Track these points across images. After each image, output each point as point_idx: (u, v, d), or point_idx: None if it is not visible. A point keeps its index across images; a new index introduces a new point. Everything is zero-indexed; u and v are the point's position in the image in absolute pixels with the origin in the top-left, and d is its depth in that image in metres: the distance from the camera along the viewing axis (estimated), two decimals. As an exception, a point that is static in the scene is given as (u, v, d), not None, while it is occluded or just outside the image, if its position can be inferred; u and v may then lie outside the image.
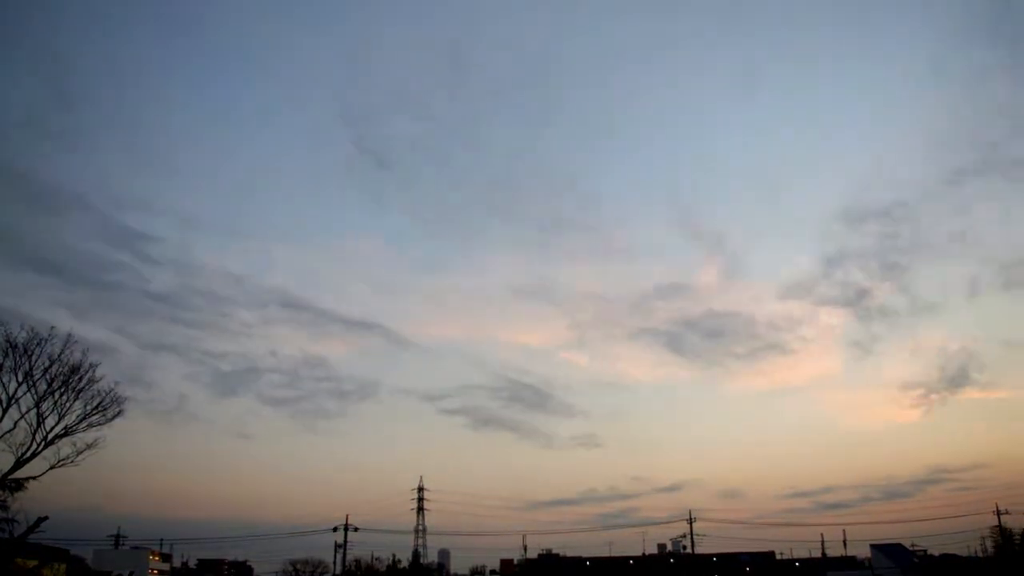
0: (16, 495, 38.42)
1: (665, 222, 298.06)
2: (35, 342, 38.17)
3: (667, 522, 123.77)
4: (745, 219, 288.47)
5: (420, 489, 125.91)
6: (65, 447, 38.88)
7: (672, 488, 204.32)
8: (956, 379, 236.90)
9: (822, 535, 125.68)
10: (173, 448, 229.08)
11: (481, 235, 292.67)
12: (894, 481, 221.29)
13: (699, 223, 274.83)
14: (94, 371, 39.87)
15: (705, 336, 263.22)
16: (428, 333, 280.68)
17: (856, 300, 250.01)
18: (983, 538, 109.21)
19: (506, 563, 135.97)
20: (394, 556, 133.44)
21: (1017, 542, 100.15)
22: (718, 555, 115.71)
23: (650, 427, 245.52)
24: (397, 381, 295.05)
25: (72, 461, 39.13)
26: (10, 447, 37.53)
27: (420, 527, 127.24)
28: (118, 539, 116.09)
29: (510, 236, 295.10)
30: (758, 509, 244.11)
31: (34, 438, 37.90)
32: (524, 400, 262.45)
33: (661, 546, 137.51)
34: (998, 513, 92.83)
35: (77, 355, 39.38)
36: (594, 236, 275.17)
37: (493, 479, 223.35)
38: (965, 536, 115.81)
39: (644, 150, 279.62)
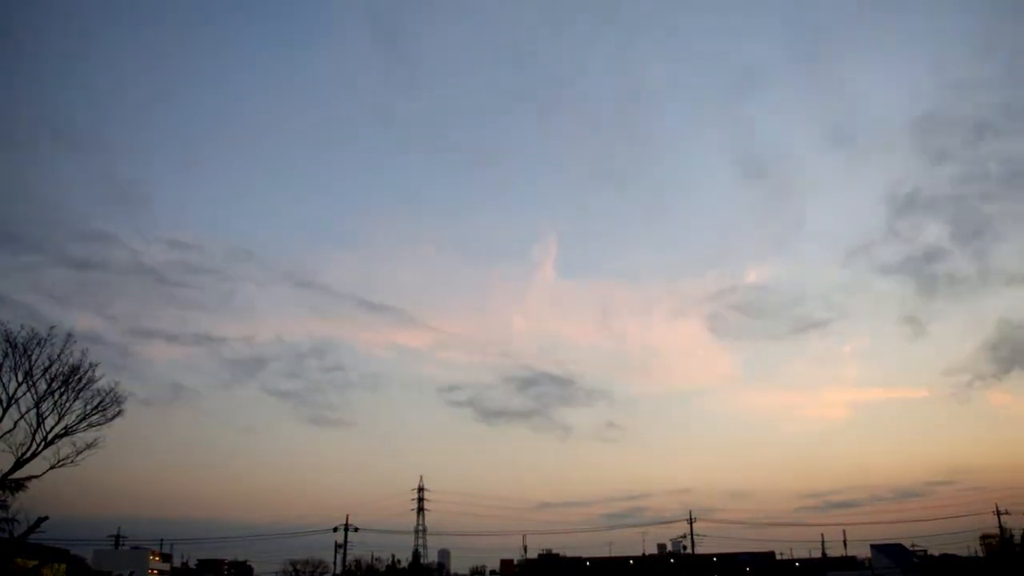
0: (16, 495, 38.44)
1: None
2: (35, 342, 38.24)
3: (667, 522, 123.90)
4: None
5: (420, 489, 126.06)
6: (65, 447, 38.97)
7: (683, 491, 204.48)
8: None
9: (822, 535, 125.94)
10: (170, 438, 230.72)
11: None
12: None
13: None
14: (94, 371, 39.96)
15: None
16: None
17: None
18: (983, 538, 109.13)
19: (506, 563, 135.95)
20: (394, 556, 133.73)
21: (1017, 542, 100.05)
22: (718, 555, 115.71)
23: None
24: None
25: (72, 461, 39.19)
26: (10, 447, 37.63)
27: (420, 527, 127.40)
28: (118, 539, 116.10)
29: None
30: (768, 509, 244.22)
31: (34, 438, 37.96)
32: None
33: (661, 546, 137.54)
34: (998, 513, 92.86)
35: (77, 355, 39.48)
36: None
37: (501, 476, 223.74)
38: (965, 536, 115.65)
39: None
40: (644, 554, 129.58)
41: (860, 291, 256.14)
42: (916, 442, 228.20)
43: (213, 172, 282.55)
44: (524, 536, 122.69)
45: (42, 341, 38.34)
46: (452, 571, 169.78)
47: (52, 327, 39.13)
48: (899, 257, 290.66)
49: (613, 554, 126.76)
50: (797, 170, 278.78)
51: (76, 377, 39.03)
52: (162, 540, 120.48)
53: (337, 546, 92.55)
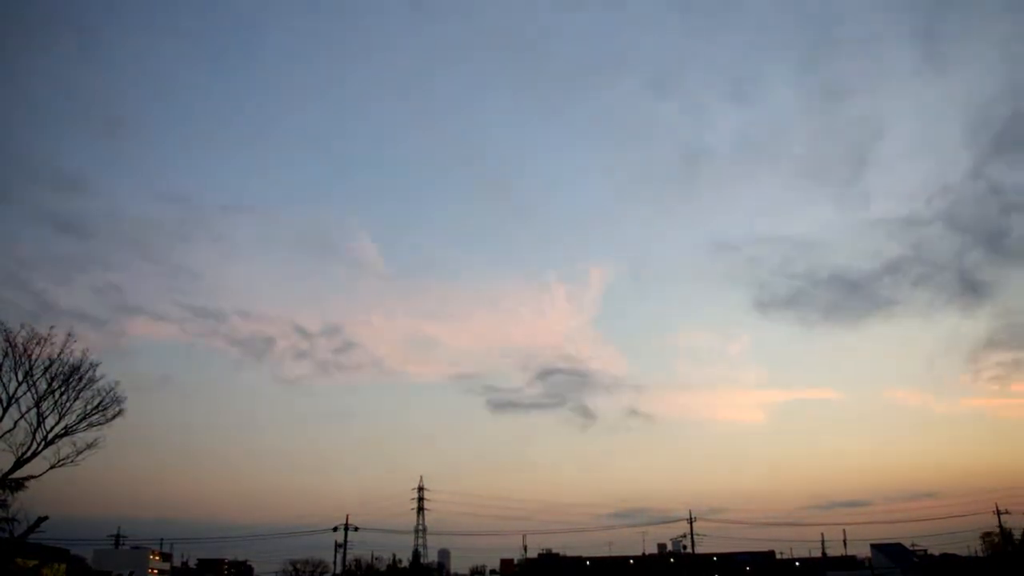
0: (16, 495, 38.43)
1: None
2: (35, 341, 38.20)
3: (667, 522, 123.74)
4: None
5: (420, 489, 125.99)
6: (65, 447, 38.95)
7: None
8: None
9: (822, 535, 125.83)
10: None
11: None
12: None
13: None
14: (94, 370, 39.91)
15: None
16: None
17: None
18: (983, 537, 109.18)
19: (506, 563, 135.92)
20: (394, 556, 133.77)
21: (1017, 542, 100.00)
22: (718, 555, 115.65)
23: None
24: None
25: (72, 461, 39.17)
26: (10, 447, 37.61)
27: (420, 527, 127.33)
28: (118, 539, 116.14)
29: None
30: (776, 509, 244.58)
31: (34, 438, 37.95)
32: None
33: (661, 546, 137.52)
34: (998, 513, 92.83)
35: (77, 354, 39.43)
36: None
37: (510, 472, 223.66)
38: (965, 536, 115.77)
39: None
40: (644, 554, 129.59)
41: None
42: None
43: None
44: (524, 536, 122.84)
45: (42, 341, 38.37)
46: (452, 571, 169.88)
47: (52, 326, 39.18)
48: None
49: (613, 554, 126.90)
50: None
51: (76, 377, 39.05)
52: (162, 540, 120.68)
53: (337, 546, 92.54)
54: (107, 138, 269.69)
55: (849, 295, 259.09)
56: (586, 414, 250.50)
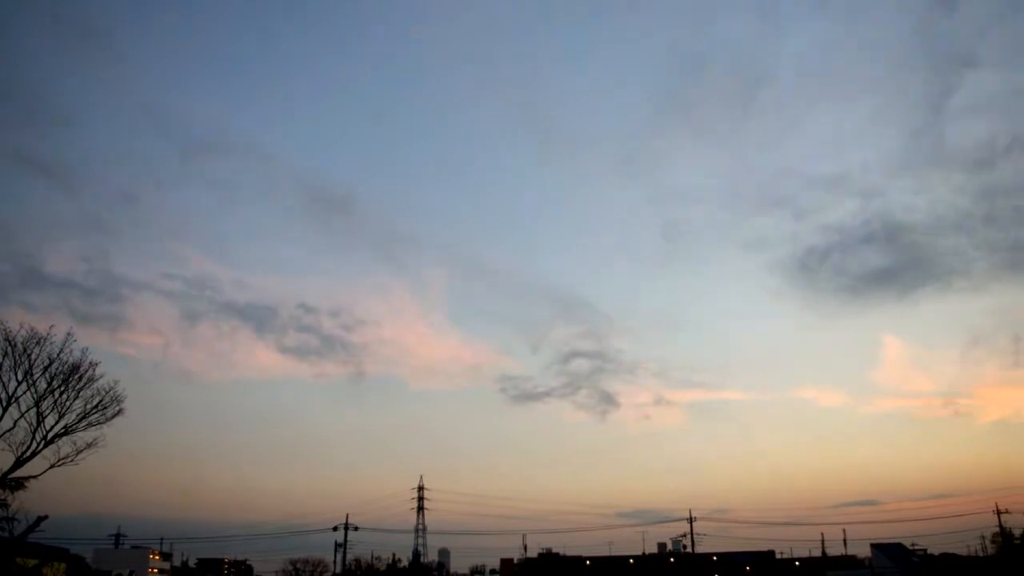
0: (16, 494, 38.38)
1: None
2: (34, 341, 38.11)
3: (667, 521, 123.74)
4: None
5: (420, 488, 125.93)
6: (65, 446, 38.81)
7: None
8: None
9: (822, 535, 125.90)
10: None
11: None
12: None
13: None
14: (94, 370, 39.86)
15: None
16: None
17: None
18: (983, 537, 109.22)
19: (506, 562, 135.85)
20: (394, 556, 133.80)
21: (1017, 542, 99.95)
22: (718, 555, 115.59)
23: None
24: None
25: (72, 460, 39.01)
26: (10, 446, 37.46)
27: (420, 526, 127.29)
28: (118, 539, 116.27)
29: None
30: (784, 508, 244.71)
31: (34, 437, 37.81)
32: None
33: (661, 545, 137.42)
34: (998, 513, 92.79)
35: (76, 354, 39.37)
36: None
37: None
38: (965, 536, 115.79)
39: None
40: (644, 553, 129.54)
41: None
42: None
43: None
44: (524, 536, 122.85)
45: (42, 340, 38.29)
46: (452, 571, 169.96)
47: (52, 326, 39.14)
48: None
49: (613, 553, 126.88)
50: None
51: (76, 376, 38.95)
52: (162, 540, 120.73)
53: (337, 545, 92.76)
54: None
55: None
56: (608, 400, 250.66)
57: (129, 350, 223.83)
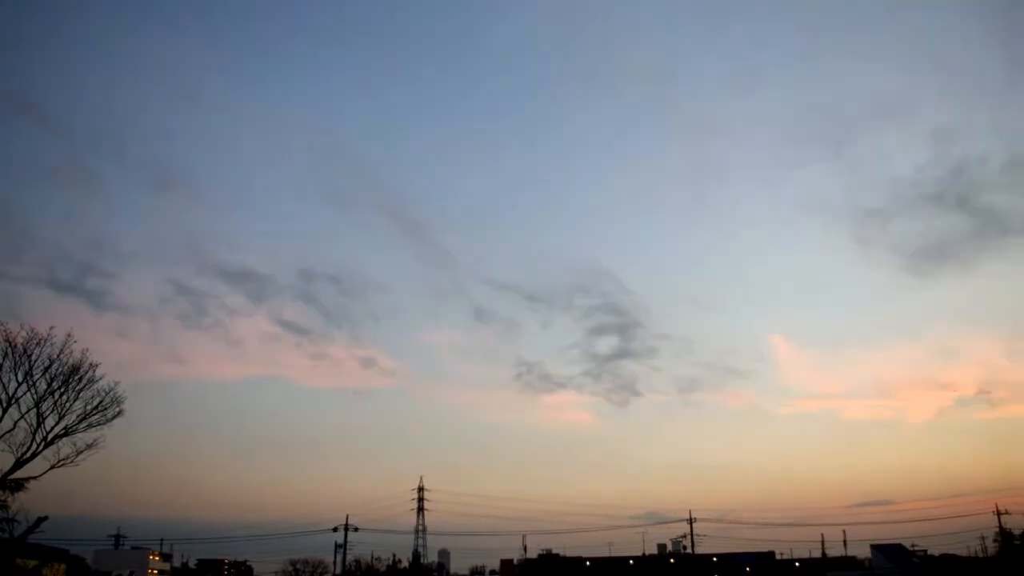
0: (16, 495, 38.34)
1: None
2: (35, 342, 38.10)
3: (666, 522, 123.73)
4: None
5: (420, 489, 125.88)
6: (65, 447, 38.74)
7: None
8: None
9: (822, 535, 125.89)
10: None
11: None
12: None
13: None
14: (94, 370, 39.86)
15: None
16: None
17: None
18: (983, 537, 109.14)
19: (506, 563, 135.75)
20: (394, 556, 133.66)
21: (1017, 542, 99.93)
22: (718, 555, 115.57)
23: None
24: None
25: (72, 461, 38.92)
26: (10, 447, 37.43)
27: (420, 527, 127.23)
28: (118, 539, 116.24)
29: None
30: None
31: (34, 438, 37.76)
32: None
33: (661, 546, 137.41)
34: (998, 513, 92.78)
35: (77, 354, 39.38)
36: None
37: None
38: (965, 536, 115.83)
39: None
40: (644, 554, 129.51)
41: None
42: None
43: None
44: (524, 536, 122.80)
45: (42, 341, 38.30)
46: (452, 571, 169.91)
47: (52, 327, 39.14)
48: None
49: (613, 554, 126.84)
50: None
51: (76, 377, 38.93)
52: (162, 540, 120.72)
53: (337, 546, 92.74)
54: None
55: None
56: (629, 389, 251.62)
57: (125, 346, 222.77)
